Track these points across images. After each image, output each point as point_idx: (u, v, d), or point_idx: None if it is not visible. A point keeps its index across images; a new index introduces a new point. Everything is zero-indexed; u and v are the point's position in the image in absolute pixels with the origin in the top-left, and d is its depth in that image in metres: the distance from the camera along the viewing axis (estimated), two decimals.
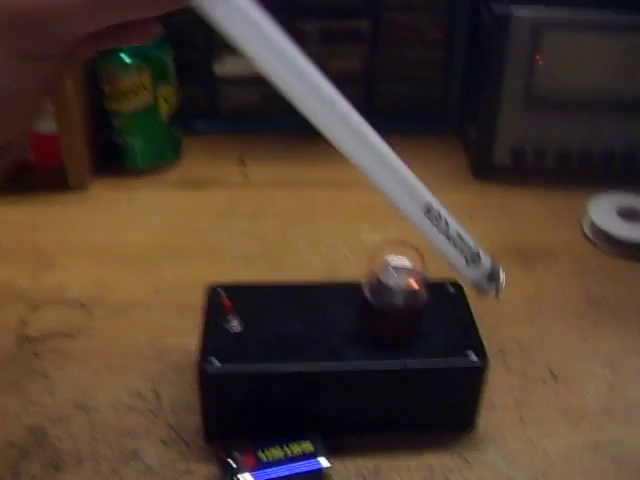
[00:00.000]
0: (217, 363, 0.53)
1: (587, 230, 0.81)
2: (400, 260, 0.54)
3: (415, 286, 0.54)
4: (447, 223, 0.48)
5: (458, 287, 0.61)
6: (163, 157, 0.91)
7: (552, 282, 0.74)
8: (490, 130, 0.86)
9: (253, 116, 0.99)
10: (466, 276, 0.51)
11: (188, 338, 0.59)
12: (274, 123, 0.99)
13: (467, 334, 0.57)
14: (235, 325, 0.56)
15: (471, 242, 0.50)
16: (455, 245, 0.48)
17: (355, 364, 0.54)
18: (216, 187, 0.89)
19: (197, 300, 0.59)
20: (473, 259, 0.50)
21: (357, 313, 0.56)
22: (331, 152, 0.97)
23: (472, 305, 0.60)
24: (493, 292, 0.52)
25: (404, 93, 0.98)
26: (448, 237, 0.48)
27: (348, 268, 0.74)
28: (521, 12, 0.80)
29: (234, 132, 0.99)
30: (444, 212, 0.48)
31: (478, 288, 0.52)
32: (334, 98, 0.42)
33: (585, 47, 0.82)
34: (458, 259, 0.49)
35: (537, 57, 0.81)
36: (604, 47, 0.82)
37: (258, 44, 0.38)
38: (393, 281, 0.53)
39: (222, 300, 0.56)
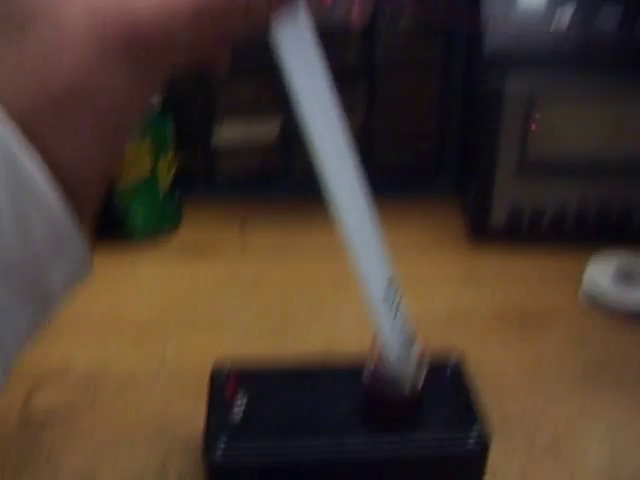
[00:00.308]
0: (221, 451, 0.53)
1: (585, 293, 0.81)
2: None
3: (416, 357, 0.54)
4: (398, 308, 0.49)
5: (458, 365, 0.61)
6: (163, 225, 0.92)
7: (551, 348, 0.75)
8: (486, 194, 0.87)
9: (252, 181, 1.00)
10: (391, 357, 0.51)
11: (192, 410, 0.59)
12: (273, 187, 1.00)
13: (468, 416, 0.57)
14: (239, 409, 0.56)
15: (411, 328, 0.51)
16: (393, 326, 0.50)
17: (355, 452, 0.54)
18: (216, 254, 0.90)
19: (200, 372, 0.60)
20: (406, 345, 0.51)
21: (358, 396, 0.56)
22: (327, 217, 0.98)
23: (472, 375, 0.61)
24: (405, 385, 0.53)
25: (401, 156, 0.99)
26: (395, 317, 0.49)
27: (350, 338, 0.74)
28: (515, 82, 0.81)
29: (234, 197, 1.00)
30: (400, 291, 0.49)
31: (395, 375, 0.53)
32: (348, 151, 0.44)
33: (579, 114, 0.83)
34: (394, 340, 0.50)
35: (531, 124, 0.83)
36: (597, 113, 0.83)
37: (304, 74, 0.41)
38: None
39: (225, 385, 0.56)
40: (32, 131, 0.32)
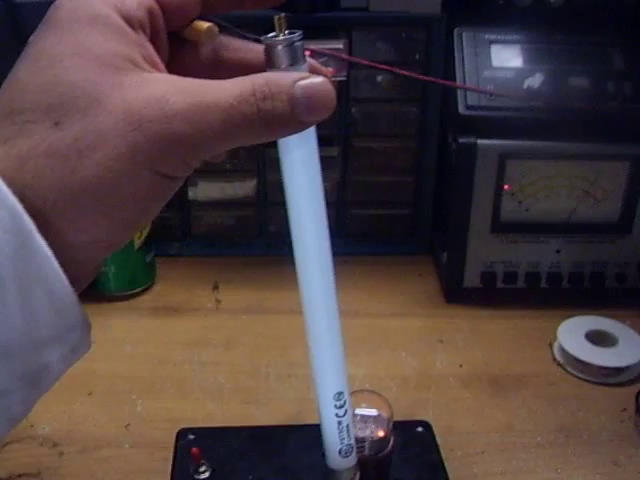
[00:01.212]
0: None
1: (557, 355, 0.81)
2: (366, 409, 0.54)
3: (382, 433, 0.54)
4: (345, 413, 0.50)
5: (426, 426, 0.61)
6: (137, 283, 0.92)
7: (523, 410, 0.74)
8: (460, 255, 0.88)
9: (226, 240, 1.00)
10: (332, 463, 0.52)
11: (158, 477, 0.59)
12: (247, 246, 1.00)
13: (437, 478, 0.56)
14: (204, 474, 0.56)
15: (352, 439, 0.51)
16: (340, 432, 0.50)
17: None
18: (189, 313, 0.89)
19: (168, 436, 0.59)
20: (347, 452, 0.51)
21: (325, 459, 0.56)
22: None
23: (442, 439, 0.60)
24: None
25: (375, 216, 0.99)
26: (339, 423, 0.50)
27: None
28: (486, 143, 0.82)
29: (208, 256, 1.00)
30: (349, 402, 0.50)
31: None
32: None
33: (550, 174, 0.84)
34: (335, 445, 0.51)
35: (504, 185, 0.84)
36: (569, 174, 0.84)
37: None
38: (359, 429, 0.53)
39: (191, 449, 0.56)
40: (48, 213, 0.32)
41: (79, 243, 0.34)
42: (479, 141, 0.82)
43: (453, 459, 0.66)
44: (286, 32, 0.38)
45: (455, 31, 0.85)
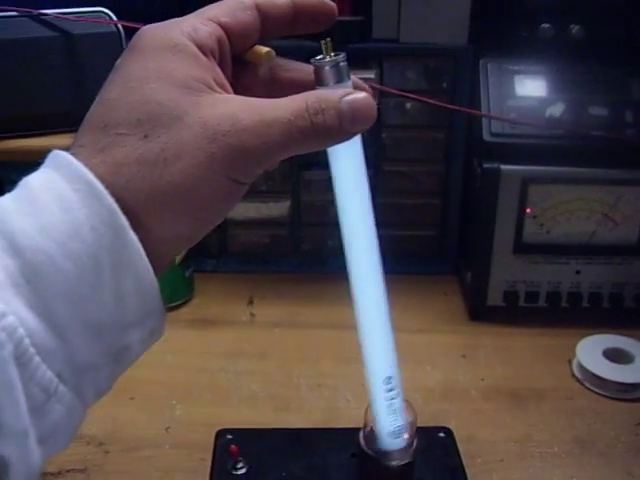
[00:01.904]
0: None
1: (576, 371, 0.85)
2: None
3: (406, 435, 0.57)
4: (395, 397, 0.55)
5: (448, 432, 0.65)
6: (176, 296, 0.97)
7: (541, 423, 0.78)
8: (483, 275, 0.92)
9: (261, 256, 1.05)
10: (384, 444, 0.57)
11: (196, 477, 0.62)
12: (281, 263, 1.05)
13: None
14: (241, 470, 0.60)
15: (402, 420, 0.56)
16: (390, 414, 0.55)
17: None
18: (225, 326, 0.94)
19: (206, 438, 0.63)
20: (398, 433, 0.56)
21: (354, 459, 0.60)
22: (334, 292, 1.02)
23: (462, 446, 0.64)
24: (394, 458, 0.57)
25: (403, 236, 1.03)
26: (389, 406, 0.55)
27: (348, 411, 0.77)
28: (509, 168, 0.86)
29: (243, 272, 1.05)
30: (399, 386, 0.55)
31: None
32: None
33: (570, 198, 0.88)
34: (386, 427, 0.56)
35: (526, 208, 0.88)
36: (588, 198, 0.88)
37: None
38: None
39: (229, 446, 0.60)
40: (139, 212, 0.38)
41: (163, 238, 0.40)
42: (502, 166, 0.86)
43: (473, 466, 0.69)
44: (332, 54, 0.43)
45: (481, 62, 0.90)
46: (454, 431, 0.70)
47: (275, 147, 0.39)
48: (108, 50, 0.87)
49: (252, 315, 0.96)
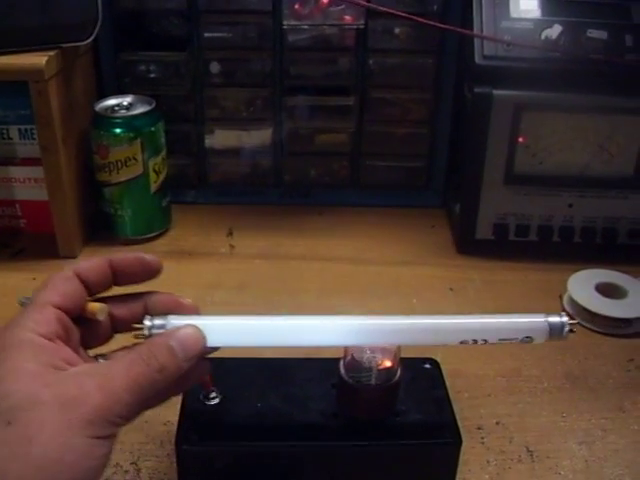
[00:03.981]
0: (195, 441, 0.54)
1: (566, 305, 0.82)
2: None
3: (388, 363, 0.55)
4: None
5: (434, 363, 0.62)
6: (152, 227, 0.93)
7: (531, 357, 0.75)
8: (473, 206, 0.88)
9: (242, 187, 1.01)
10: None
11: (169, 410, 0.59)
12: (262, 194, 1.01)
13: (442, 412, 0.57)
14: (214, 400, 0.57)
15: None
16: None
17: (328, 444, 0.55)
18: (203, 257, 0.91)
19: None
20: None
21: (334, 390, 0.57)
22: (317, 224, 1.00)
23: (450, 381, 0.61)
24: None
25: (390, 167, 1.00)
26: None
27: None
28: (502, 93, 0.82)
29: (223, 203, 1.01)
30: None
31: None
32: None
33: (565, 127, 0.84)
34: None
35: (518, 137, 0.84)
36: (583, 127, 0.84)
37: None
38: (366, 358, 0.54)
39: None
40: None
41: None
42: (495, 91, 0.82)
43: (460, 401, 0.67)
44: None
45: None
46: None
47: (122, 398, 0.45)
48: None
49: (231, 247, 0.93)
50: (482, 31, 0.82)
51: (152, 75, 0.95)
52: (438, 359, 0.64)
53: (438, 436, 0.56)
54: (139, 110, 0.88)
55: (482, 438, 0.65)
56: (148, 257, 0.55)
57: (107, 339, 0.54)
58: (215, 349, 0.53)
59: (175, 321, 0.51)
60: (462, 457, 0.57)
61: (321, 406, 0.56)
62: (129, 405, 0.45)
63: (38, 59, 0.79)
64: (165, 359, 0.47)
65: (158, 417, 0.66)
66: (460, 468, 0.58)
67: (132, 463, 0.62)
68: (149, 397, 0.47)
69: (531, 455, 0.64)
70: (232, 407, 0.56)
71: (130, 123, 0.87)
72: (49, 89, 0.80)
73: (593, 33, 0.82)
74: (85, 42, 0.83)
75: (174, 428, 0.56)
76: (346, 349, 0.55)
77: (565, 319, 0.55)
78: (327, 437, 0.55)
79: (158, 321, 0.50)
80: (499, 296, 0.84)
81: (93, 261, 0.52)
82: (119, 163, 0.87)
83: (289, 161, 0.99)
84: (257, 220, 0.98)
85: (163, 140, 0.91)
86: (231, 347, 0.53)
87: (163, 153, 0.91)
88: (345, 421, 0.56)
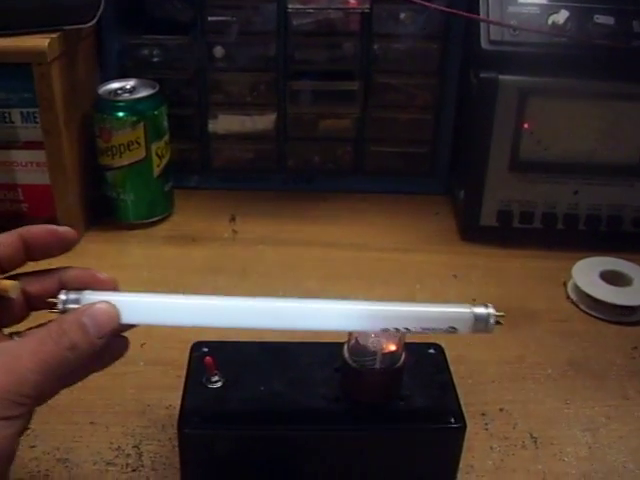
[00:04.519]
0: (197, 423, 0.53)
1: (571, 292, 0.82)
2: None
3: (393, 347, 0.54)
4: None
5: (439, 349, 0.62)
6: (155, 212, 0.93)
7: (535, 344, 0.75)
8: (477, 193, 0.88)
9: (245, 173, 1.01)
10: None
11: (171, 394, 0.59)
12: (265, 180, 1.01)
13: (447, 397, 0.57)
14: (217, 383, 0.56)
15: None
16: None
17: (331, 428, 0.55)
18: (206, 243, 0.90)
19: (182, 356, 0.60)
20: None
21: (338, 374, 0.57)
22: (320, 210, 0.99)
23: (453, 367, 0.61)
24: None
25: (394, 153, 1.00)
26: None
27: None
28: (508, 79, 0.81)
29: (226, 188, 1.01)
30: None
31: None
32: None
33: (571, 113, 0.84)
34: None
35: (524, 123, 0.83)
36: (589, 114, 0.84)
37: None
38: (371, 342, 0.54)
39: (204, 358, 0.56)
40: None
41: None
42: (500, 76, 0.82)
43: (464, 386, 0.66)
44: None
45: None
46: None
47: (30, 377, 0.43)
48: None
49: (234, 232, 0.92)
50: (488, 16, 0.81)
51: (155, 59, 0.95)
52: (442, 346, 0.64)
53: (442, 421, 0.55)
54: (142, 94, 0.88)
55: (486, 424, 0.65)
56: (60, 228, 0.53)
57: (23, 317, 0.53)
58: (132, 326, 0.51)
59: (91, 296, 0.49)
60: (466, 443, 0.57)
61: (324, 390, 0.56)
62: (37, 385, 0.44)
63: (40, 41, 0.79)
64: (76, 336, 0.46)
65: (160, 401, 0.66)
66: (464, 454, 0.57)
67: (134, 447, 0.62)
68: (62, 375, 0.45)
69: (535, 441, 0.64)
70: (235, 391, 0.56)
71: (133, 107, 0.86)
72: (52, 72, 0.79)
73: (600, 19, 0.81)
74: (88, 25, 0.82)
75: (176, 412, 0.55)
76: (350, 333, 0.55)
77: (491, 310, 0.53)
78: (330, 421, 0.55)
79: (73, 295, 0.49)
80: (502, 283, 0.84)
81: (3, 235, 0.51)
82: (122, 147, 0.87)
83: (293, 146, 0.99)
84: (260, 206, 0.98)
85: (166, 124, 0.90)
86: (147, 324, 0.51)
87: (166, 137, 0.90)
88: (348, 405, 0.55)
